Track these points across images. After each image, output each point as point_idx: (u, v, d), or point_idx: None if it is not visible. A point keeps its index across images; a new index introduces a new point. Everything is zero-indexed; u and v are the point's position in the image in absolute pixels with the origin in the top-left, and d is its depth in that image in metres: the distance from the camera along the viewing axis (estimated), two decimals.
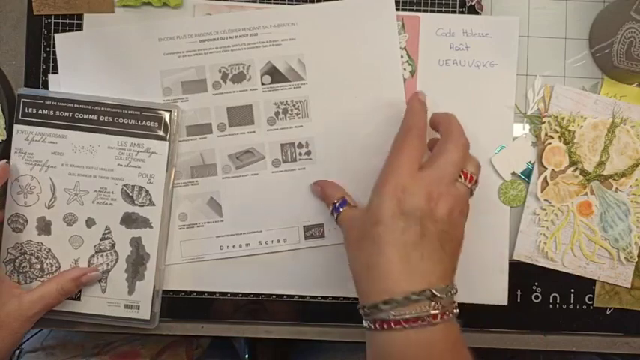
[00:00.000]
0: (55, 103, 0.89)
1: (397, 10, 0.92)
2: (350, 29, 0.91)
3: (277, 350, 1.29)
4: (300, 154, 0.92)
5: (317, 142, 0.92)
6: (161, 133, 0.90)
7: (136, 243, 0.91)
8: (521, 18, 0.92)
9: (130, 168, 0.90)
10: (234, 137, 0.92)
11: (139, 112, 0.90)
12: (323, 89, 0.92)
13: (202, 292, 0.93)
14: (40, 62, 0.92)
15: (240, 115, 0.92)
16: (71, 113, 0.89)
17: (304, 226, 0.93)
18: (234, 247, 0.93)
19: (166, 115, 0.90)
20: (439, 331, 0.70)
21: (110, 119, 0.89)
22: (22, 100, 0.89)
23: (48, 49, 0.92)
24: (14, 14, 0.92)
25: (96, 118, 0.89)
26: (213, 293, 0.93)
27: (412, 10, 0.92)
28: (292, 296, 0.93)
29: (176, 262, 0.93)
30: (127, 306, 0.91)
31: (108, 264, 0.90)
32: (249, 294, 0.93)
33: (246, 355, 1.26)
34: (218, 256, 0.93)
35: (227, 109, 0.92)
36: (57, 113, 0.89)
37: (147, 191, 0.90)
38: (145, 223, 0.90)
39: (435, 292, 0.69)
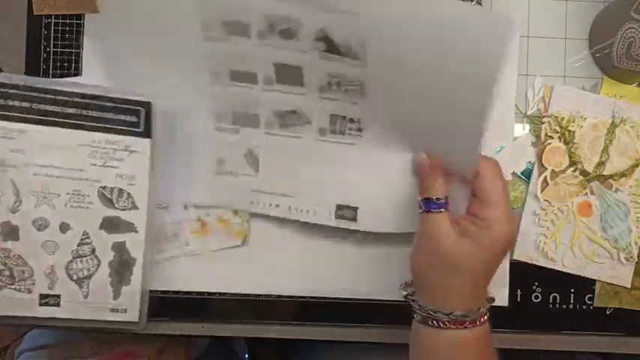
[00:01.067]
0: (9, 90, 0.79)
1: None
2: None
3: (277, 350, 1.29)
4: (350, 128, 0.86)
5: (371, 124, 0.86)
6: (141, 128, 0.81)
7: (119, 248, 0.83)
8: (521, 18, 0.92)
9: (107, 168, 0.81)
10: (282, 95, 0.84)
11: (112, 104, 0.81)
12: (387, 82, 0.81)
13: (202, 292, 0.93)
14: (40, 62, 0.91)
15: (289, 74, 0.82)
16: (29, 104, 0.79)
17: (337, 205, 0.89)
18: (263, 205, 0.90)
19: (146, 108, 0.81)
20: (481, 329, 0.77)
21: (78, 111, 0.80)
22: None
23: (48, 49, 0.91)
24: (14, 14, 0.92)
25: (60, 110, 0.80)
26: (213, 293, 0.93)
27: None
28: (292, 296, 0.93)
29: (205, 205, 0.92)
30: (113, 310, 0.85)
31: (89, 269, 0.83)
32: (249, 294, 0.93)
33: (246, 355, 1.27)
34: (246, 209, 0.91)
35: (274, 65, 0.81)
36: (10, 103, 0.79)
37: (128, 194, 0.82)
38: (129, 227, 0.83)
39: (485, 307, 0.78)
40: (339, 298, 0.93)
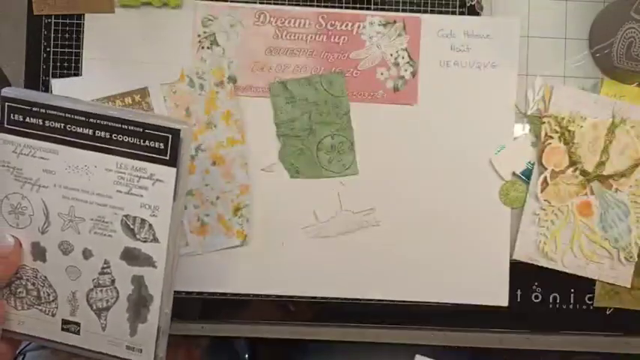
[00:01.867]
0: (44, 110, 0.74)
1: (397, 10, 0.92)
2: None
3: (277, 350, 1.29)
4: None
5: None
6: (167, 156, 0.74)
7: (138, 282, 0.78)
8: (521, 18, 0.92)
9: (131, 196, 0.75)
10: None
11: (141, 130, 0.74)
12: None
13: (202, 293, 0.93)
14: (40, 62, 0.92)
15: None
16: (62, 124, 0.75)
17: None
18: None
19: (173, 135, 0.73)
20: None
21: (108, 135, 0.74)
22: (6, 104, 0.75)
23: (48, 49, 0.91)
24: (14, 14, 0.92)
25: (91, 132, 0.74)
26: (214, 293, 0.93)
27: (412, 11, 0.92)
28: (292, 296, 0.93)
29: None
30: (128, 347, 0.79)
31: (108, 301, 0.79)
32: (249, 294, 0.93)
33: (246, 355, 1.26)
34: None
35: None
36: (47, 123, 0.75)
37: (150, 225, 0.76)
38: (148, 261, 0.77)
39: None
40: (338, 298, 0.93)
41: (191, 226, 0.92)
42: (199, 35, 0.91)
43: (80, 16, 0.92)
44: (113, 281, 0.78)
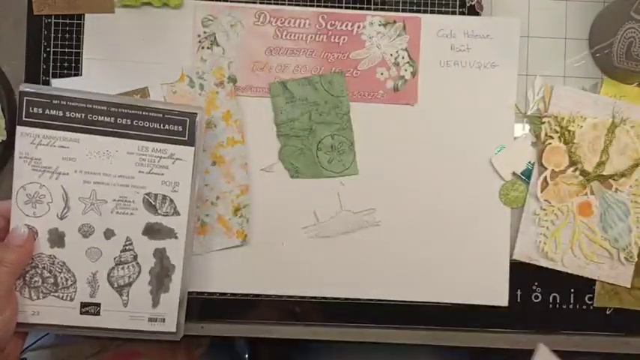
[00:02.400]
0: (65, 102, 0.81)
1: (397, 10, 0.92)
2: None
3: (277, 350, 1.29)
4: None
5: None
6: (186, 137, 0.84)
7: (160, 254, 0.85)
8: (521, 18, 0.93)
9: (153, 175, 0.84)
10: None
11: (161, 115, 0.83)
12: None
13: (202, 293, 0.93)
14: (40, 62, 0.92)
15: None
16: (84, 114, 0.81)
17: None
18: None
19: (192, 118, 0.84)
20: None
21: (129, 122, 0.82)
22: (24, 98, 0.80)
23: (48, 49, 0.92)
24: (14, 14, 0.92)
25: (112, 120, 0.82)
26: (213, 293, 0.93)
27: (412, 11, 0.92)
28: (292, 296, 0.93)
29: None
30: (151, 319, 0.86)
31: (130, 277, 0.85)
32: (249, 294, 0.93)
33: (246, 355, 1.27)
34: None
35: None
36: (67, 114, 0.81)
37: (171, 200, 0.84)
38: (170, 233, 0.85)
39: None
40: (338, 298, 0.93)
41: None
42: (199, 35, 0.91)
43: (80, 16, 0.92)
44: (135, 257, 0.85)
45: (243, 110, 0.92)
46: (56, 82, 0.91)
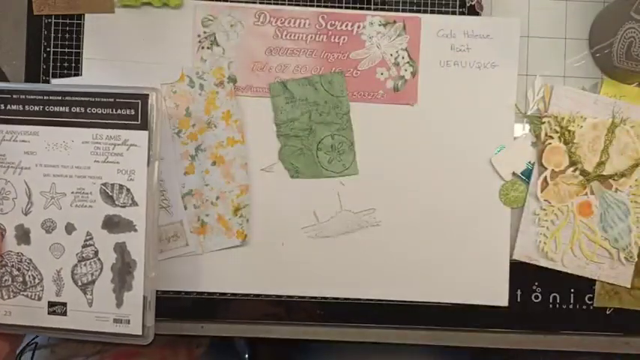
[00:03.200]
0: (24, 96, 0.80)
1: (397, 10, 0.92)
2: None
3: (277, 350, 1.29)
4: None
5: None
6: (138, 121, 0.80)
7: (121, 249, 0.81)
8: (521, 18, 0.93)
9: (108, 164, 0.80)
10: None
11: (112, 100, 0.80)
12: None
13: (202, 292, 0.93)
14: (40, 62, 0.92)
15: None
16: (42, 106, 0.80)
17: None
18: None
19: (144, 100, 0.79)
20: None
21: (82, 110, 0.80)
22: None
23: (48, 49, 0.92)
24: (14, 14, 0.92)
25: (67, 109, 0.80)
26: (213, 293, 0.93)
27: (412, 11, 0.92)
28: (292, 296, 0.93)
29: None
30: (116, 320, 0.81)
31: (92, 274, 0.81)
32: (249, 294, 0.93)
33: (246, 355, 1.27)
34: None
35: None
36: (27, 107, 0.80)
37: (127, 189, 0.80)
38: (129, 226, 0.80)
39: None
40: (338, 298, 0.93)
41: (191, 226, 0.92)
42: (199, 35, 0.91)
43: (80, 16, 0.92)
44: (96, 252, 0.81)
45: (243, 110, 0.92)
46: (56, 82, 0.91)
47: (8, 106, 0.81)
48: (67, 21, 0.92)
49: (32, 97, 0.80)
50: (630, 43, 0.85)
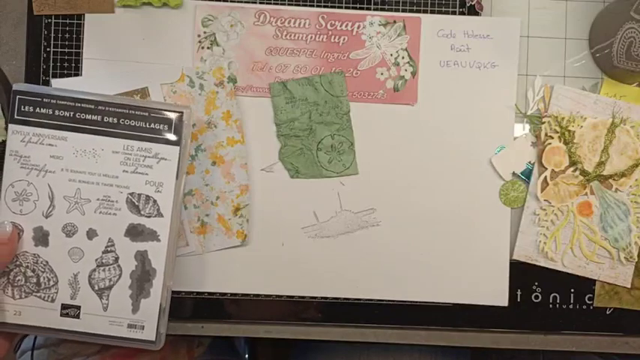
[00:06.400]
0: (55, 101, 0.82)
1: (397, 10, 0.92)
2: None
3: (277, 350, 1.29)
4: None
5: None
6: (171, 136, 0.83)
7: (142, 257, 0.84)
8: (521, 18, 0.93)
9: (137, 175, 0.83)
10: None
11: (146, 113, 0.83)
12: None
13: (202, 292, 0.93)
14: (40, 62, 0.92)
15: None
16: (72, 113, 0.82)
17: None
18: None
19: (176, 117, 0.83)
20: None
21: (115, 120, 0.82)
22: (17, 97, 0.82)
23: (48, 49, 0.92)
24: (14, 14, 0.92)
25: (99, 118, 0.82)
26: (214, 293, 0.93)
27: (412, 11, 0.92)
28: (292, 296, 0.93)
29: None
30: (130, 325, 0.84)
31: (110, 279, 0.84)
32: (249, 294, 0.93)
33: (246, 355, 1.27)
34: None
35: None
36: (56, 112, 0.82)
37: (154, 201, 0.83)
38: (152, 235, 0.84)
39: None
40: (338, 298, 0.93)
41: (191, 226, 0.92)
42: (199, 35, 0.91)
43: (80, 16, 0.92)
44: (117, 259, 0.83)
45: (243, 110, 0.92)
46: (56, 82, 0.91)
47: (37, 109, 0.82)
48: (67, 21, 0.92)
49: (63, 102, 0.82)
50: (630, 43, 0.85)
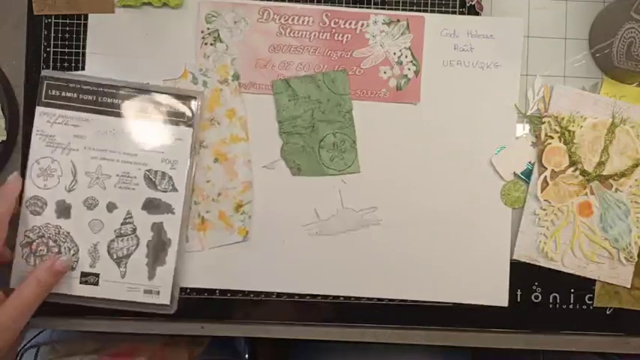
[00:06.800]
0: (79, 86, 0.89)
1: (398, 9, 0.93)
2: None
3: (277, 350, 1.28)
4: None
5: None
6: (185, 119, 0.90)
7: (158, 228, 0.90)
8: (521, 18, 0.93)
9: (154, 153, 0.90)
10: None
11: (163, 98, 0.90)
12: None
13: (202, 292, 0.93)
14: (40, 62, 0.92)
15: None
16: (95, 97, 0.90)
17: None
18: None
19: (191, 101, 0.90)
20: None
21: (135, 103, 0.90)
22: (45, 82, 0.89)
23: (48, 49, 0.92)
24: (14, 14, 0.92)
25: (120, 102, 0.90)
26: (214, 292, 0.93)
27: (413, 10, 0.93)
28: (292, 296, 0.93)
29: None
30: (146, 291, 0.90)
31: (128, 249, 0.90)
32: (249, 294, 0.93)
33: (246, 355, 1.26)
34: None
35: None
36: (80, 96, 0.89)
37: (170, 177, 0.90)
38: (168, 208, 0.90)
39: None
40: (339, 298, 0.93)
41: (192, 223, 0.92)
42: (203, 31, 0.91)
43: (80, 16, 0.92)
44: (134, 230, 0.91)
45: (245, 107, 0.92)
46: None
47: (63, 93, 0.90)
48: (67, 21, 0.92)
49: (87, 87, 0.90)
50: (630, 43, 0.86)
